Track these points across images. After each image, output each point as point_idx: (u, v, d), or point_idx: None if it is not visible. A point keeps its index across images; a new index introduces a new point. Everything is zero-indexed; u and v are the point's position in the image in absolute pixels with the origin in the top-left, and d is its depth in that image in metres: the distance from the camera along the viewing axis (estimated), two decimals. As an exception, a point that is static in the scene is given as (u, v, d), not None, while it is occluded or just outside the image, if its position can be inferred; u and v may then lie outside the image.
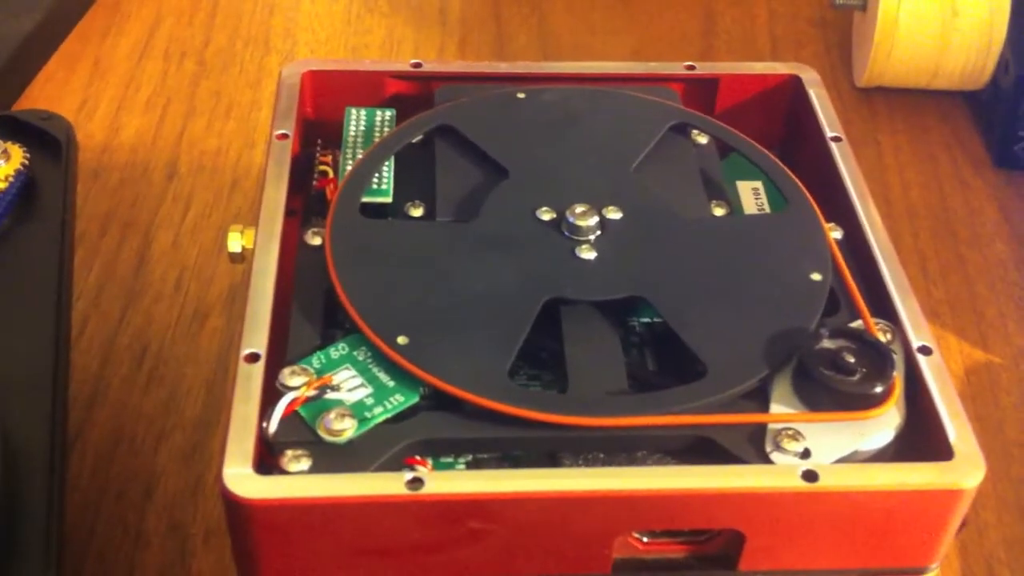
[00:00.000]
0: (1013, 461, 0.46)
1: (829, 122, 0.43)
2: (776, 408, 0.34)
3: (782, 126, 0.46)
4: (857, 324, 0.36)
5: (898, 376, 0.34)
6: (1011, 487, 0.45)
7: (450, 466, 0.34)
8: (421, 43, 0.63)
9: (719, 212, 0.40)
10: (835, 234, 0.39)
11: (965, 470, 0.33)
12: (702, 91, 0.45)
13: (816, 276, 0.37)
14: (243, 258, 0.39)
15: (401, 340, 0.34)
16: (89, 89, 0.61)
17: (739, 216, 0.41)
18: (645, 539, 0.34)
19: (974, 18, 0.56)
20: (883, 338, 0.36)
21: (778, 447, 0.33)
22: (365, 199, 0.40)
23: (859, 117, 0.59)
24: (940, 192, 0.57)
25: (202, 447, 0.45)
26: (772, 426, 0.34)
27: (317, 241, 0.38)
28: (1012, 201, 0.56)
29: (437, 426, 0.33)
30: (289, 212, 0.39)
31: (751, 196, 0.42)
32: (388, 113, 0.43)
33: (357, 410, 0.33)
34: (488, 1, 0.66)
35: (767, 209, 0.42)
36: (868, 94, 0.60)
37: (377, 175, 0.40)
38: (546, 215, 0.38)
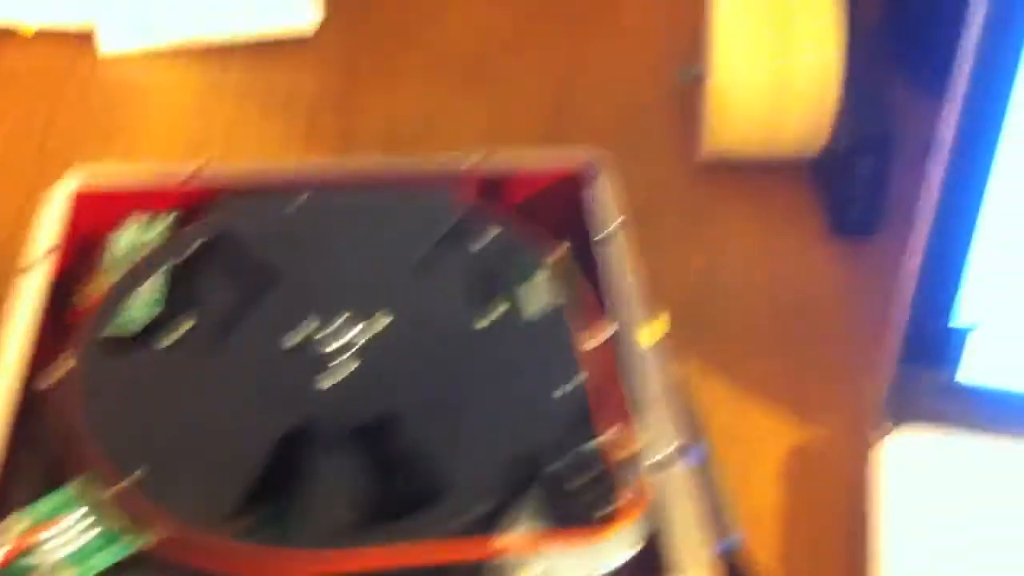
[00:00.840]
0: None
1: (608, 216, 0.42)
2: (514, 531, 0.34)
3: (578, 217, 0.45)
4: (605, 436, 0.36)
5: (638, 494, 0.34)
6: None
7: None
8: (265, 133, 0.62)
9: (498, 312, 0.40)
10: (605, 334, 0.39)
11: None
12: (493, 185, 0.45)
13: (564, 390, 0.37)
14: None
15: (125, 484, 0.35)
16: None
17: (504, 321, 0.40)
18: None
19: (806, 88, 0.56)
20: (632, 449, 0.36)
21: (515, 571, 0.34)
22: (108, 332, 0.39)
23: (702, 191, 0.59)
24: (779, 261, 0.56)
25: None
26: (506, 554, 0.34)
27: (53, 378, 0.38)
28: (849, 268, 0.56)
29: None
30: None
31: (535, 295, 0.42)
32: (160, 228, 0.43)
33: (78, 559, 0.33)
34: (337, 87, 0.65)
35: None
36: (711, 167, 0.60)
37: (131, 300, 0.40)
38: (298, 336, 0.39)
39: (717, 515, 0.45)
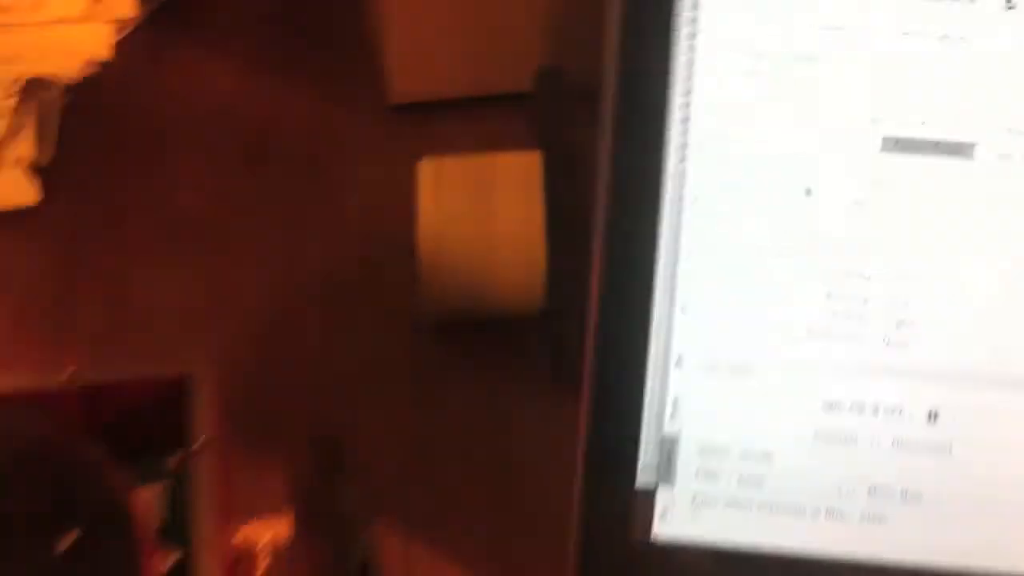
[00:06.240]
0: None
1: (197, 430, 0.41)
2: None
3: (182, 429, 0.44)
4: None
5: None
6: None
7: None
8: None
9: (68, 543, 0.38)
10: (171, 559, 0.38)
11: None
12: (94, 399, 0.43)
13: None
14: None
15: None
16: None
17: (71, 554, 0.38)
18: None
19: (511, 255, 0.56)
20: None
21: None
22: None
23: (426, 354, 0.58)
24: (500, 414, 0.56)
25: None
26: None
27: None
28: (565, 417, 0.55)
29: None
30: None
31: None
32: None
33: None
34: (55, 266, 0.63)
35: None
36: (436, 328, 0.59)
37: None
38: None
39: None
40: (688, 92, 0.40)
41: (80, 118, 0.68)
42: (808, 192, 0.40)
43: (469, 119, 0.67)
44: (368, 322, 0.59)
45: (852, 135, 0.40)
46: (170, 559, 0.39)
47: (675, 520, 0.45)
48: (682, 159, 0.40)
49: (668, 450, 0.44)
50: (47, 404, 0.43)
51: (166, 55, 0.72)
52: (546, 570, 0.49)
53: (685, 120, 0.40)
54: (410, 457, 0.54)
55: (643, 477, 0.44)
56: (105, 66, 0.65)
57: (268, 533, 0.40)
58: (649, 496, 0.45)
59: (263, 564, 0.40)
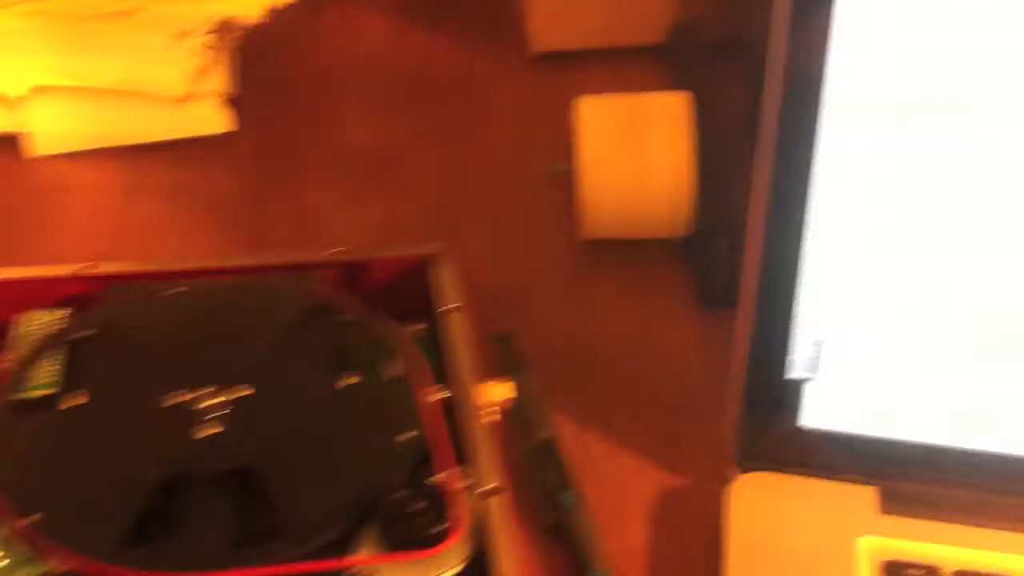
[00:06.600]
0: None
1: (445, 297, 0.49)
2: (359, 552, 0.40)
3: (424, 299, 0.51)
4: (438, 475, 0.42)
5: (463, 520, 0.40)
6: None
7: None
8: (181, 228, 0.67)
9: (350, 379, 0.45)
10: (442, 395, 0.45)
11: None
12: (352, 273, 0.51)
13: (404, 439, 0.43)
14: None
15: (28, 520, 0.40)
16: None
17: (353, 386, 0.46)
18: None
19: (663, 183, 0.62)
20: (459, 486, 0.41)
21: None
22: (13, 396, 0.45)
23: (583, 267, 0.64)
24: (650, 329, 0.61)
25: None
26: (354, 569, 0.39)
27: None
28: (712, 335, 0.61)
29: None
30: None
31: (384, 364, 0.47)
32: (60, 313, 0.49)
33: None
34: (248, 185, 0.70)
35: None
36: (590, 247, 0.65)
37: (32, 372, 0.46)
38: (175, 399, 0.44)
39: (586, 551, 0.51)
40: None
41: (254, 61, 0.75)
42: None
43: (606, 68, 0.73)
44: (528, 241, 0.66)
45: None
46: (440, 394, 0.45)
47: (820, 409, 0.51)
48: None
49: (816, 348, 0.50)
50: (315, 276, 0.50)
51: (324, 7, 0.79)
52: (706, 454, 0.55)
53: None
54: (572, 356, 0.60)
55: (794, 371, 0.51)
56: (274, 14, 0.72)
57: (499, 391, 0.47)
58: (798, 388, 0.51)
59: (495, 418, 0.47)
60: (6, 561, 0.39)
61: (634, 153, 0.63)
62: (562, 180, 0.66)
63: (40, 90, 0.68)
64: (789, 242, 0.49)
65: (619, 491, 0.54)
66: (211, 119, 0.70)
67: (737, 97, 0.69)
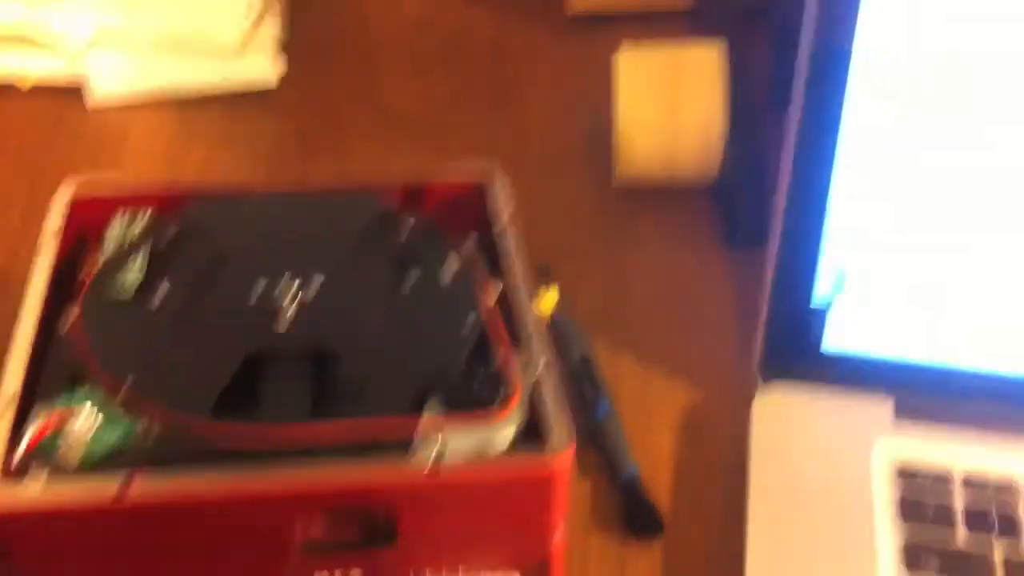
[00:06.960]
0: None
1: (502, 212, 0.53)
2: (425, 418, 0.44)
3: (482, 215, 0.55)
4: (495, 357, 0.46)
5: (518, 390, 0.44)
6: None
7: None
8: (232, 173, 0.70)
9: (416, 278, 0.49)
10: (496, 293, 0.49)
11: (553, 455, 0.43)
12: (412, 193, 0.55)
13: (467, 327, 0.47)
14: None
15: (127, 384, 0.44)
16: None
17: (419, 280, 0.49)
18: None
19: (695, 131, 0.66)
20: (514, 365, 0.45)
21: (423, 447, 0.43)
22: (104, 292, 0.49)
23: (619, 209, 0.68)
24: (682, 266, 0.65)
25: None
26: (422, 430, 0.43)
27: (68, 323, 0.47)
28: (739, 272, 0.65)
29: (157, 452, 0.43)
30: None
31: (447, 267, 0.50)
32: (143, 220, 0.52)
33: (92, 437, 0.42)
34: (296, 133, 0.74)
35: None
36: (625, 192, 0.69)
37: (121, 271, 0.49)
38: (257, 289, 0.48)
39: (618, 453, 0.55)
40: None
41: (303, 10, 0.79)
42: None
43: (641, 30, 0.76)
44: (566, 190, 0.70)
45: None
46: (496, 289, 0.50)
47: (842, 334, 0.55)
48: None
49: (840, 278, 0.54)
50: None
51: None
52: (732, 373, 0.59)
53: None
54: (607, 289, 0.64)
55: (819, 299, 0.54)
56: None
57: (546, 299, 0.51)
58: (822, 314, 0.55)
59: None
60: (101, 420, 0.43)
61: (669, 100, 0.67)
62: (598, 136, 0.70)
63: (101, 34, 0.72)
64: (817, 176, 0.53)
65: (648, 404, 0.58)
66: (264, 72, 0.73)
67: (765, 56, 0.73)
